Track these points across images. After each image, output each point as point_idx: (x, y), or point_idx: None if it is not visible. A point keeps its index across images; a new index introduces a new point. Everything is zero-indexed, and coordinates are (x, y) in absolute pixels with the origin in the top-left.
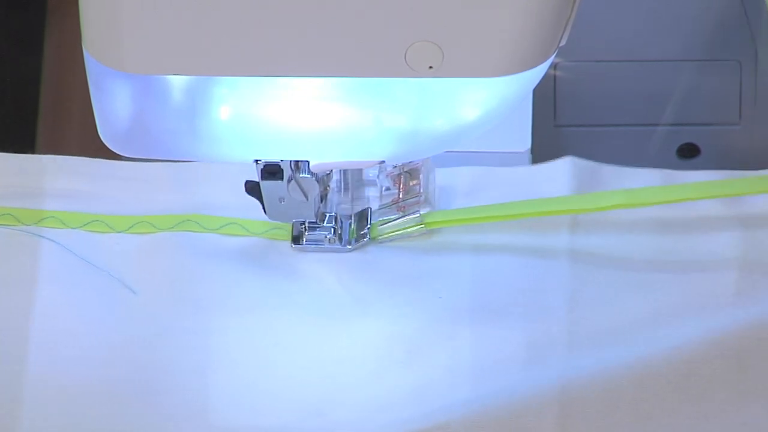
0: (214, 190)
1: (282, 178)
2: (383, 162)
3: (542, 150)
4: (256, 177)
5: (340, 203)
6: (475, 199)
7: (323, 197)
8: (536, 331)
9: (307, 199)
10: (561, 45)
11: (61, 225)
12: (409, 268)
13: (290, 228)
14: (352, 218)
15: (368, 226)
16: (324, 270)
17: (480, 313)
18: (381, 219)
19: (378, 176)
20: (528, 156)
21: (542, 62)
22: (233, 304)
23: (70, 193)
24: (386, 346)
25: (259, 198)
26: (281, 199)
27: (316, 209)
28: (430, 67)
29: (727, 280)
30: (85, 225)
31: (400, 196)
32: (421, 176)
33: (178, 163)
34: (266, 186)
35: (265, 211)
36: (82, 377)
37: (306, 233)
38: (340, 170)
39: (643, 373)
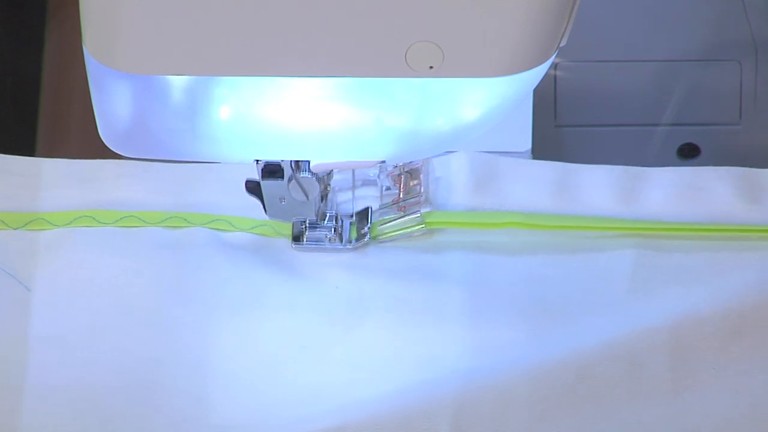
0: (112, 186)
1: (282, 178)
2: (383, 162)
3: (542, 150)
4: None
5: (341, 202)
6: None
7: (324, 196)
8: (432, 332)
9: (308, 199)
10: (561, 45)
11: None
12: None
13: (188, 217)
14: (353, 218)
15: (369, 225)
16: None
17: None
18: (381, 218)
19: (378, 176)
20: (528, 156)
21: (542, 62)
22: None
23: None
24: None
25: (260, 197)
26: (282, 199)
27: (316, 208)
28: (431, 67)
29: (620, 280)
30: None
31: (401, 195)
32: (421, 176)
33: (77, 161)
34: (267, 185)
35: (265, 211)
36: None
37: (306, 232)
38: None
39: (537, 375)
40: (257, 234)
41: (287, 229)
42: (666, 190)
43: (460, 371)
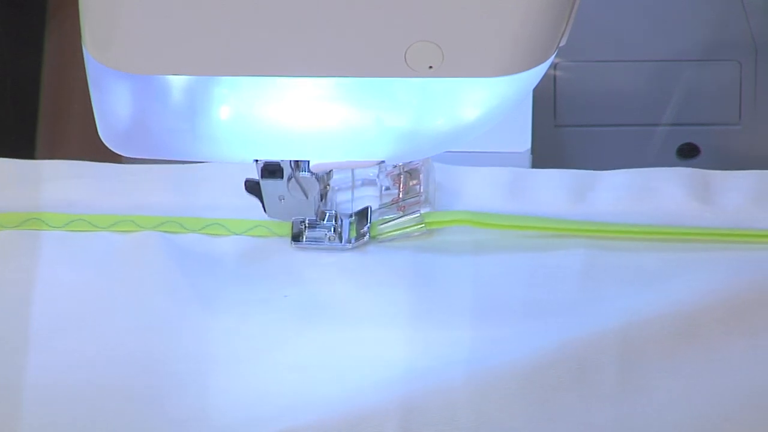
0: (62, 187)
1: (282, 177)
2: (383, 162)
3: (542, 150)
4: (248, 174)
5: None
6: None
7: (323, 195)
8: (380, 334)
9: (307, 198)
10: (561, 45)
11: None
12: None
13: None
14: (352, 217)
15: (368, 225)
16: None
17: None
18: (381, 218)
19: (378, 176)
20: (528, 156)
21: (542, 62)
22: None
23: None
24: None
25: (259, 196)
26: (281, 198)
27: (316, 207)
28: (430, 67)
29: (570, 280)
30: None
31: (400, 195)
32: (421, 176)
33: (26, 161)
34: (266, 185)
35: (265, 210)
36: None
37: (306, 231)
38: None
39: (485, 377)
40: (209, 234)
41: (239, 227)
42: (617, 191)
43: (409, 373)
